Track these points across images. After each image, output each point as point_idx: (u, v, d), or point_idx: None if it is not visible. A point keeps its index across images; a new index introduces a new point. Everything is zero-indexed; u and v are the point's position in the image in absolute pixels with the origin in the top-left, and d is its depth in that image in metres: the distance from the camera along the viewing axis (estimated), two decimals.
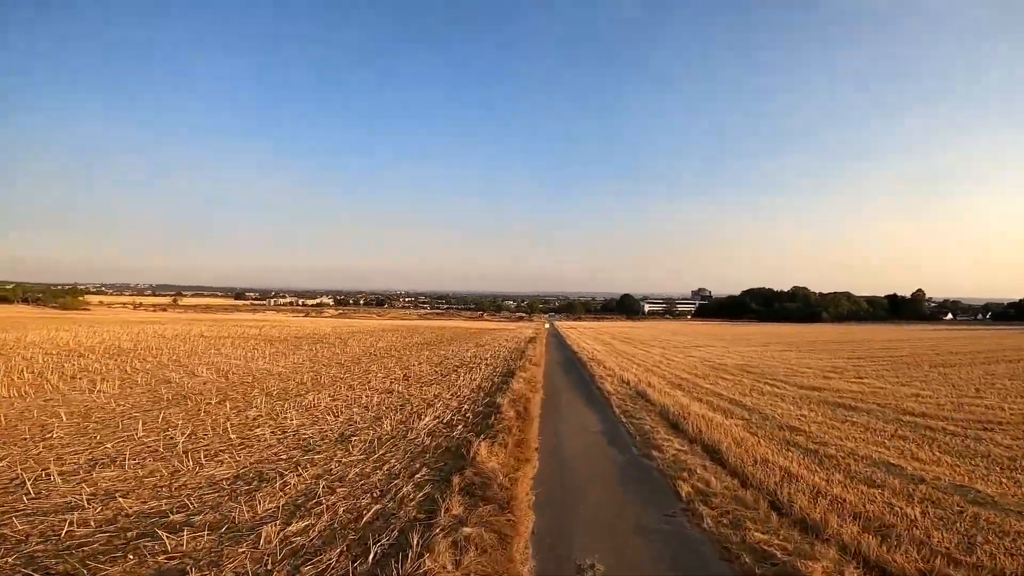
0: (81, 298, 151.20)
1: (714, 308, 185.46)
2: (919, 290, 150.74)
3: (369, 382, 16.58)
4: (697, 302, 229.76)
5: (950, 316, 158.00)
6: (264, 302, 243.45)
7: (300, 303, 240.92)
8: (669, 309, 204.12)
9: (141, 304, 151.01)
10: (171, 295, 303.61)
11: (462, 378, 18.18)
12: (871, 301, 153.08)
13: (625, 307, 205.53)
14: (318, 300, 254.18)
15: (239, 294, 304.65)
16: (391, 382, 16.86)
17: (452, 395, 14.62)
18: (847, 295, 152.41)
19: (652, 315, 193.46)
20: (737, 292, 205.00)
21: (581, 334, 59.62)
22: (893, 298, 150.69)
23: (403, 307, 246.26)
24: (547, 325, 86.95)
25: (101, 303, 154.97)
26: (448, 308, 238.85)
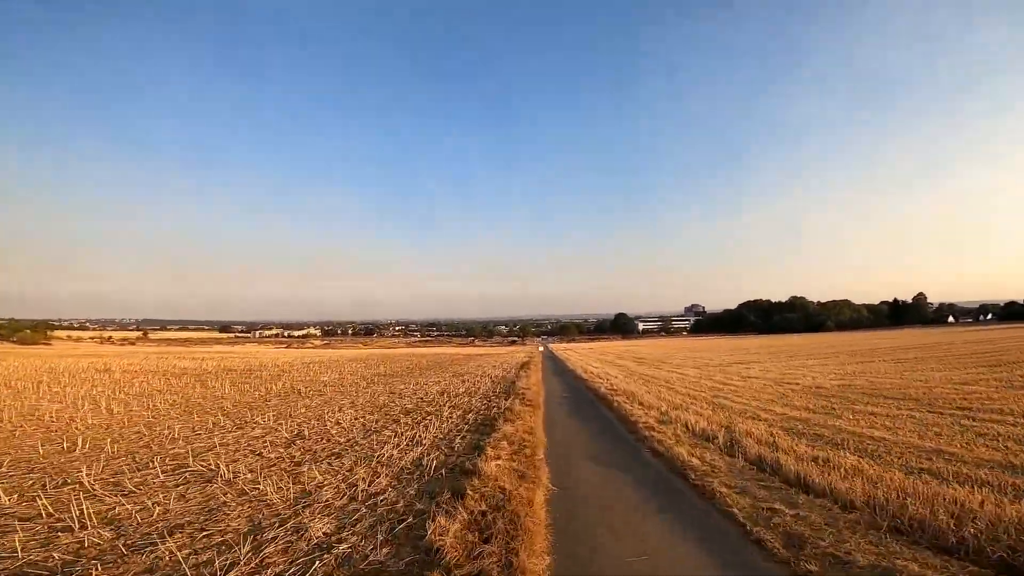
0: (49, 332, 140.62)
1: (710, 323, 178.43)
2: (920, 294, 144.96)
3: (217, 448, 8.11)
4: (692, 318, 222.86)
5: (951, 319, 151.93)
6: (249, 334, 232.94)
7: (285, 334, 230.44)
8: (665, 327, 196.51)
9: (110, 338, 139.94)
10: (154, 329, 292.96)
11: (399, 436, 9.85)
12: (871, 308, 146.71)
13: (620, 326, 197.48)
14: (304, 331, 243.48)
15: (224, 327, 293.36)
16: (261, 446, 8.46)
17: (346, 489, 6.28)
18: (847, 303, 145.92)
19: (647, 333, 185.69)
20: (730, 307, 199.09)
21: (582, 356, 51.27)
22: (895, 304, 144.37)
23: (392, 336, 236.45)
24: (541, 348, 78.37)
25: (69, 337, 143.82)
26: (439, 335, 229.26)
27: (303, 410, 13.69)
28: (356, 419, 12.28)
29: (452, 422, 11.85)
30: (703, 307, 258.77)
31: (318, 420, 12.11)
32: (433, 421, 11.87)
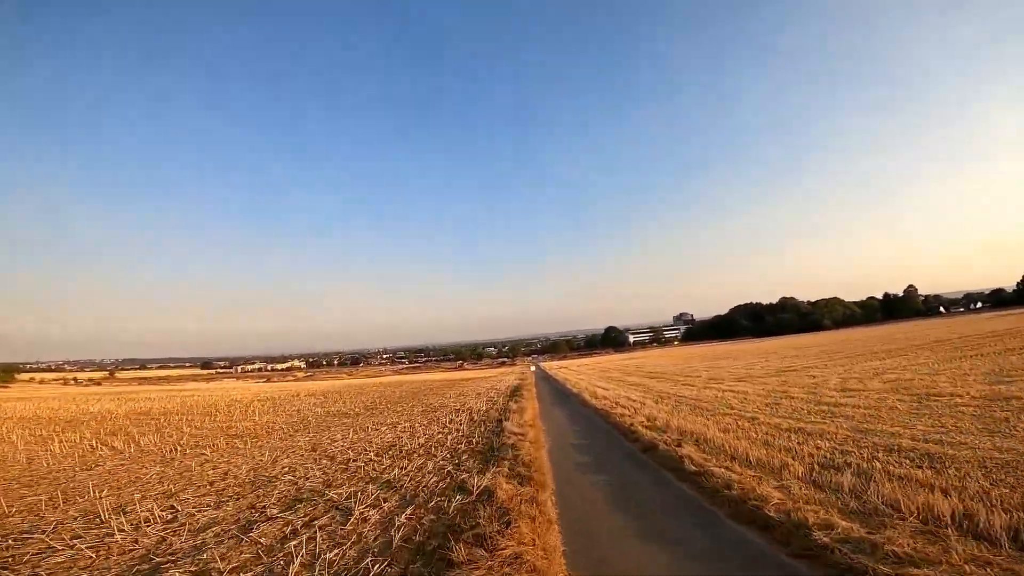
0: (16, 374, 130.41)
1: (702, 330, 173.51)
2: (911, 286, 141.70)
3: None
4: (681, 327, 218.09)
5: (942, 310, 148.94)
6: (231, 370, 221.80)
7: (268, 368, 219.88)
8: (656, 337, 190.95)
9: (75, 379, 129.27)
10: (135, 367, 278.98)
11: None
12: (863, 304, 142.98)
13: (611, 340, 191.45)
14: (288, 364, 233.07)
15: (206, 363, 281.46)
16: None
17: None
18: (839, 301, 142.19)
19: (638, 345, 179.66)
20: (717, 313, 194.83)
21: (582, 374, 44.91)
22: (886, 298, 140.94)
23: (380, 364, 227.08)
24: (533, 368, 71.73)
25: (33, 379, 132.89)
26: (427, 361, 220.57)
27: (134, 488, 7.11)
28: (167, 517, 5.76)
29: (373, 523, 5.45)
30: (691, 315, 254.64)
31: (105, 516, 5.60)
32: (318, 539, 5.45)
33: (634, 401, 17.00)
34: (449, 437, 12.79)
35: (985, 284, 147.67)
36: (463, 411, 18.72)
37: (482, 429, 13.86)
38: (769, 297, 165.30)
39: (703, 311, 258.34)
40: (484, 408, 19.21)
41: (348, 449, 11.83)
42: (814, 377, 19.35)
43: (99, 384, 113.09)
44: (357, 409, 23.14)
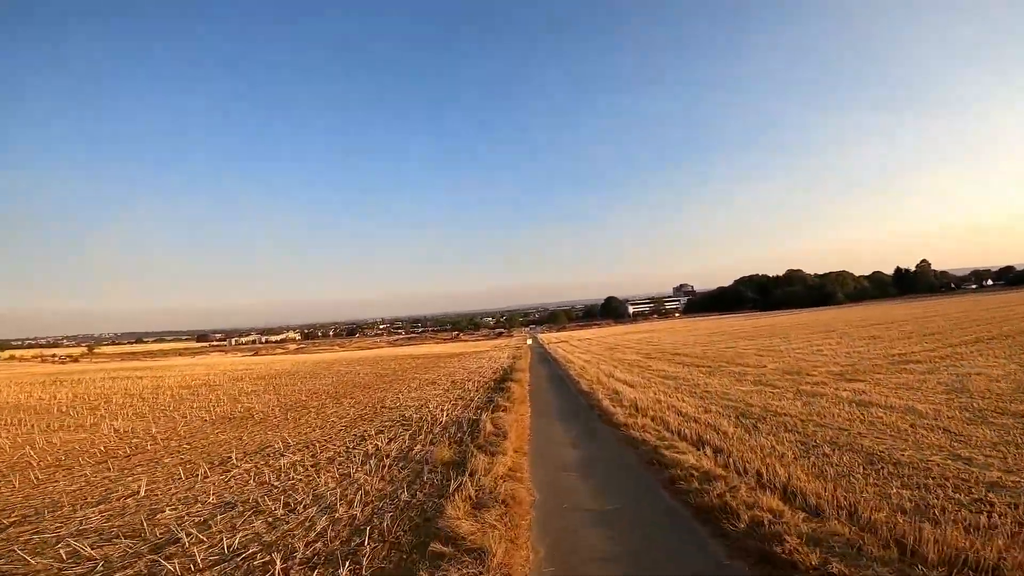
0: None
1: (705, 302, 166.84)
2: (924, 261, 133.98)
3: None
4: (682, 298, 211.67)
5: (953, 286, 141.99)
6: (225, 342, 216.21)
7: (263, 340, 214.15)
8: (657, 309, 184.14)
9: (54, 356, 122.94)
10: (130, 342, 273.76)
11: None
12: (873, 279, 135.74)
13: (611, 310, 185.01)
14: (283, 336, 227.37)
15: (202, 336, 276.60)
16: None
17: None
18: (849, 275, 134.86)
19: (639, 316, 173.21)
20: (717, 286, 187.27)
21: (586, 352, 37.94)
22: (899, 273, 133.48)
23: (376, 335, 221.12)
24: (529, 341, 64.69)
25: (12, 356, 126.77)
26: (423, 331, 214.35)
27: None
28: None
29: None
30: (692, 286, 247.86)
31: None
32: None
33: (730, 441, 9.26)
34: (368, 497, 5.49)
35: (986, 262, 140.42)
36: (425, 408, 11.51)
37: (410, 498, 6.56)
38: (766, 270, 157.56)
39: (705, 282, 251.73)
40: (444, 419, 11.98)
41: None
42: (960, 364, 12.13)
43: (76, 361, 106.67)
44: (299, 403, 15.97)
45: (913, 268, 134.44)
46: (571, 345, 47.02)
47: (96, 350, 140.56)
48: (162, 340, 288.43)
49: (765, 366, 16.42)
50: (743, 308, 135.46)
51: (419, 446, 9.39)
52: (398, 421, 12.28)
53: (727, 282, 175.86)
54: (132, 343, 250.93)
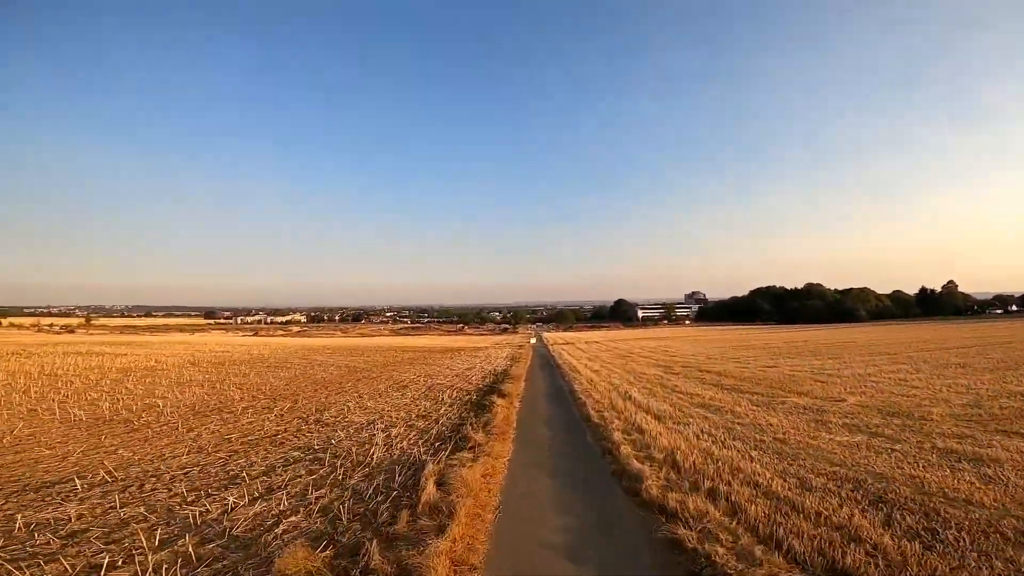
0: None
1: (718, 311, 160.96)
2: (951, 282, 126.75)
3: None
4: (693, 306, 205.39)
5: (976, 309, 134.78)
6: (230, 321, 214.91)
7: (268, 320, 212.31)
8: (667, 315, 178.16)
9: (51, 325, 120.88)
10: (140, 315, 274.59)
11: None
12: (895, 298, 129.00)
13: (620, 314, 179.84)
14: (288, 317, 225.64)
15: (210, 313, 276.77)
16: None
17: None
18: (871, 292, 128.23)
19: (648, 321, 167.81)
20: (726, 295, 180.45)
21: (595, 359, 33.72)
22: (923, 293, 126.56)
23: (382, 322, 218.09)
24: (533, 340, 60.35)
25: (12, 324, 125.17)
26: (428, 322, 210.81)
27: None
28: None
29: None
30: (704, 294, 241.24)
31: None
32: None
33: None
34: None
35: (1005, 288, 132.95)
36: (318, 464, 7.37)
37: None
38: (776, 281, 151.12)
39: (710, 292, 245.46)
40: (377, 458, 7.80)
41: None
42: None
43: (72, 332, 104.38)
44: (166, 415, 11.90)
45: (939, 289, 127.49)
46: (578, 349, 42.60)
47: (94, 321, 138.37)
48: (171, 315, 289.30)
49: (844, 399, 11.96)
50: (758, 319, 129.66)
51: (297, 516, 5.23)
52: (313, 453, 8.13)
53: (736, 292, 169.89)
54: (141, 316, 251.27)
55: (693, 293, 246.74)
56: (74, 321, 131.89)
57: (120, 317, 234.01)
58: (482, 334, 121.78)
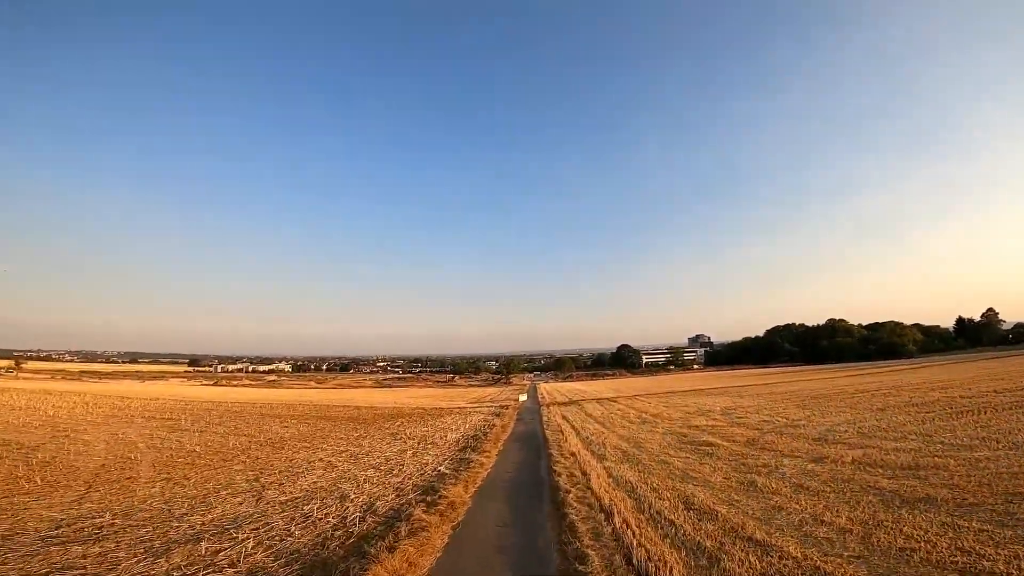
0: None
1: (730, 353, 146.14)
2: (990, 310, 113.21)
3: None
4: (699, 350, 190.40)
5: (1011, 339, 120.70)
6: (209, 368, 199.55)
7: (250, 368, 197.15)
8: (674, 359, 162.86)
9: None
10: (124, 362, 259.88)
11: None
12: (925, 330, 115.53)
13: (622, 360, 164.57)
14: (272, 366, 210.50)
15: (194, 360, 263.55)
16: None
17: None
18: (901, 325, 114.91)
19: (652, 368, 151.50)
20: (733, 338, 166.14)
21: (608, 426, 20.16)
22: (962, 323, 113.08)
23: (371, 372, 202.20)
24: (523, 397, 46.00)
25: None
26: (420, 372, 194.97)
27: None
28: None
29: None
30: (709, 337, 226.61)
31: None
32: None
33: None
34: None
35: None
36: None
37: None
38: (781, 320, 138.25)
39: (720, 334, 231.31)
40: None
41: None
42: None
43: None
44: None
45: (977, 317, 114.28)
46: (583, 412, 28.55)
47: (24, 364, 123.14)
48: (157, 362, 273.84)
49: None
50: (778, 361, 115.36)
51: None
52: None
53: (742, 334, 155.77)
54: (15, 359, 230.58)
55: (698, 336, 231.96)
56: (4, 363, 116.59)
57: (22, 360, 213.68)
58: (472, 385, 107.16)
